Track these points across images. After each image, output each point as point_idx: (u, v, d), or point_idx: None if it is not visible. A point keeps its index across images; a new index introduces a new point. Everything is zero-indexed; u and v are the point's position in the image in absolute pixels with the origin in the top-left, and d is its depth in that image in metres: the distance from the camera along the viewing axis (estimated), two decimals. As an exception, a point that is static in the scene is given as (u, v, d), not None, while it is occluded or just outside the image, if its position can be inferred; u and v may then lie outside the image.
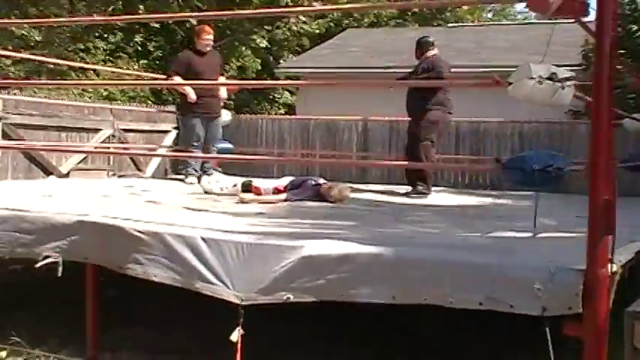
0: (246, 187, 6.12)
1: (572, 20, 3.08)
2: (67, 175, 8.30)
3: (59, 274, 3.78)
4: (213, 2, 16.13)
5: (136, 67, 18.37)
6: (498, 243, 3.46)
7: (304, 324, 4.37)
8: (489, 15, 31.39)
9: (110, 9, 19.59)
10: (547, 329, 2.70)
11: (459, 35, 17.12)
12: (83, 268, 3.93)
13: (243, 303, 3.29)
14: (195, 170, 7.58)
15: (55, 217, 3.93)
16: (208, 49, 7.44)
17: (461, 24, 19.50)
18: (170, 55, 20.32)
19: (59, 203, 4.69)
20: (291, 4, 16.22)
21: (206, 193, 6.36)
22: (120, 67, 17.30)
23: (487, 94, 11.22)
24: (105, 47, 19.11)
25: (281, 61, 18.60)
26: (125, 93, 17.32)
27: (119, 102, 13.56)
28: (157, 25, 19.17)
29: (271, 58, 19.84)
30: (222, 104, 7.90)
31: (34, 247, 3.90)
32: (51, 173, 8.08)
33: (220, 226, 3.85)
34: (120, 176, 8.66)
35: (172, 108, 11.08)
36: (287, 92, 21.48)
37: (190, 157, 7.54)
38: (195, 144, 7.35)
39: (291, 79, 15.20)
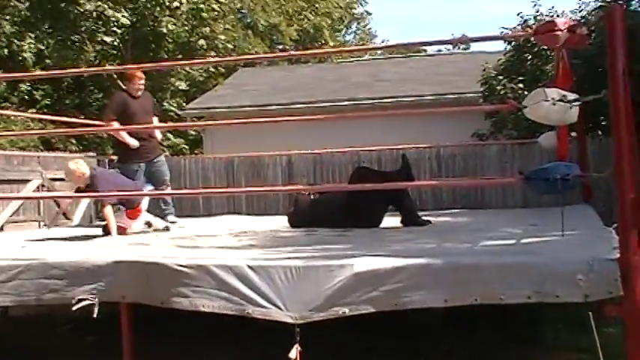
0: None
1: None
2: (1, 228, 8.07)
3: (95, 316, 3.86)
4: (127, 47, 16.05)
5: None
6: (530, 246, 3.94)
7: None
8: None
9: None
10: (590, 314, 3.17)
11: (350, 70, 17.97)
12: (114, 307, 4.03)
13: (298, 322, 3.54)
14: None
15: (88, 260, 4.00)
16: (139, 93, 7.48)
17: (351, 59, 20.28)
18: (57, 103, 19.97)
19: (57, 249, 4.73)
20: (205, 46, 16.38)
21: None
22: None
23: (405, 123, 12.08)
24: (-13, 98, 18.43)
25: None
26: (15, 143, 16.73)
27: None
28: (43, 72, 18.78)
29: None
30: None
31: (67, 291, 3.94)
32: (-16, 229, 7.86)
33: (247, 254, 4.08)
34: (53, 226, 8.52)
35: (91, 154, 11.03)
36: (170, 134, 21.47)
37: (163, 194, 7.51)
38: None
39: (194, 119, 15.37)
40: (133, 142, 7.19)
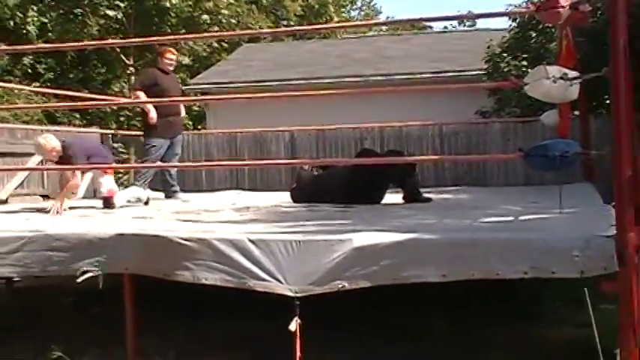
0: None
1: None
2: (5, 201, 8.13)
3: (100, 287, 3.93)
4: (130, 21, 16.02)
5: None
6: (527, 222, 3.98)
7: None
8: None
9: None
10: (585, 290, 3.21)
11: (354, 46, 17.91)
12: (116, 280, 4.09)
13: (298, 295, 3.59)
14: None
15: (91, 233, 4.05)
16: (171, 68, 7.57)
17: (354, 35, 20.18)
18: (61, 77, 19.95)
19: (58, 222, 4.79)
20: (209, 21, 16.33)
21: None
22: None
23: (408, 100, 12.08)
24: (-10, 70, 18.42)
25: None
26: (18, 117, 16.74)
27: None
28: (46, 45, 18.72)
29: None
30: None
31: (71, 263, 4.00)
32: (-10, 199, 7.93)
33: (249, 228, 4.13)
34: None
35: (94, 129, 11.10)
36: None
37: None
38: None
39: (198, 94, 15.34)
40: (153, 114, 7.19)
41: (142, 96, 7.17)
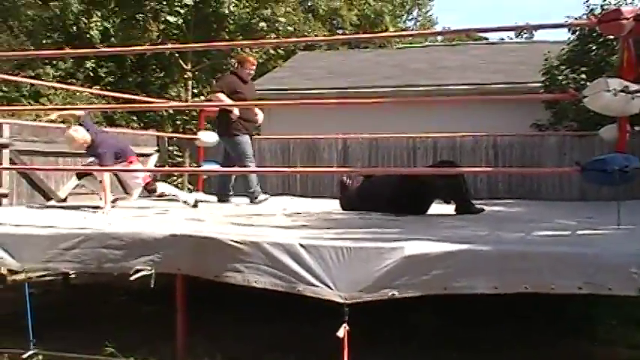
0: None
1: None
2: (65, 199, 8.35)
3: (152, 286, 4.00)
4: (190, 27, 16.32)
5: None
6: (583, 237, 3.91)
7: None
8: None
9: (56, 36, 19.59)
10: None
11: (409, 56, 17.84)
12: (169, 280, 4.16)
13: (347, 302, 3.60)
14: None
15: (145, 232, 4.14)
16: (249, 78, 7.73)
17: (409, 45, 20.13)
18: (120, 81, 20.44)
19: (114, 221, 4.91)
20: (266, 28, 16.56)
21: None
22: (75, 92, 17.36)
23: (463, 111, 11.96)
24: (55, 73, 18.96)
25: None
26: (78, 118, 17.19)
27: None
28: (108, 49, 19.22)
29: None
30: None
31: (124, 261, 4.09)
32: (50, 198, 8.13)
33: (300, 234, 4.15)
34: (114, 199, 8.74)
35: (151, 131, 11.29)
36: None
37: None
38: (252, 160, 7.56)
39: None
40: (236, 111, 7.32)
41: (223, 97, 7.27)
